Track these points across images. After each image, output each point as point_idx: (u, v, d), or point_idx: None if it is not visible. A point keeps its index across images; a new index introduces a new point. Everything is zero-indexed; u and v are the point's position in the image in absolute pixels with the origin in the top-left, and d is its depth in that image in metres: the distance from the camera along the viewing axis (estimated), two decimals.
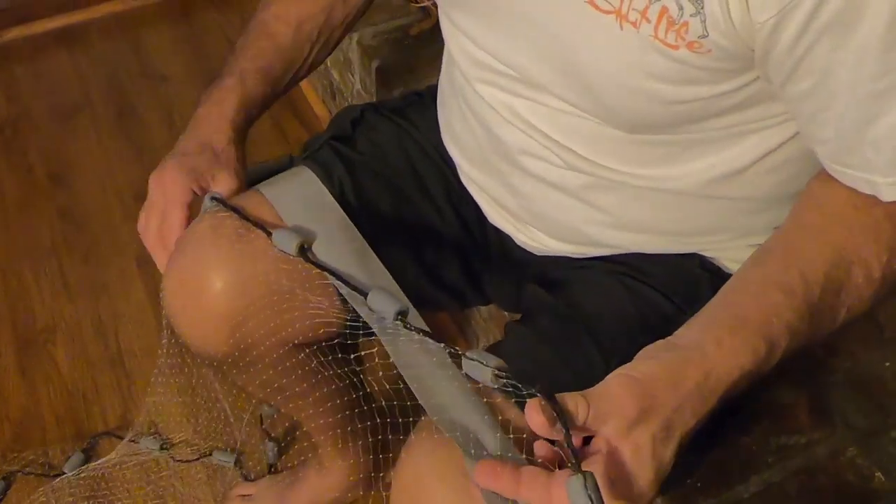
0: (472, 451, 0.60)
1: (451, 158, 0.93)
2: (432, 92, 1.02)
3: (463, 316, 1.42)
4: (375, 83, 1.53)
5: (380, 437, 1.01)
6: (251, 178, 0.92)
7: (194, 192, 0.85)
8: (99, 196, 1.81)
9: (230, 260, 0.84)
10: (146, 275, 1.63)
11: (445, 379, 0.65)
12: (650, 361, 0.59)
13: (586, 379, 0.60)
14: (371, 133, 0.97)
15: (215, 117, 0.89)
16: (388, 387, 0.79)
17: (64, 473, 1.34)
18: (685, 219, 0.80)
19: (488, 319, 1.31)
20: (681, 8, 0.62)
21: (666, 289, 0.81)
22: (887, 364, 0.99)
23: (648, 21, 0.63)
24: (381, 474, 1.27)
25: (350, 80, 1.68)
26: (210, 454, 1.35)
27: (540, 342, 0.79)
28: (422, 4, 1.57)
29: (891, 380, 0.97)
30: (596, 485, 0.51)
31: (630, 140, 0.74)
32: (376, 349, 0.72)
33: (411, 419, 0.70)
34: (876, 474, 0.90)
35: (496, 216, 0.90)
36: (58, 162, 1.90)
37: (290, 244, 0.75)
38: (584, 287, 0.83)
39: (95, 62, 2.14)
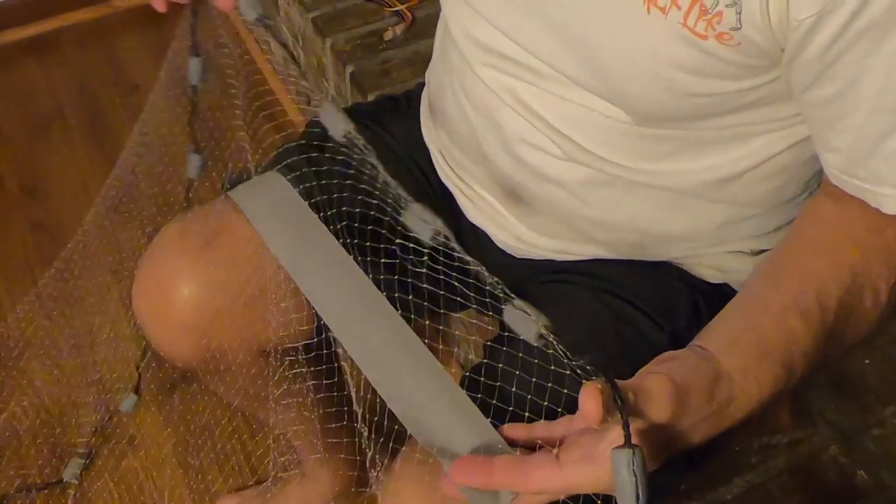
0: (450, 457, 0.60)
1: (425, 161, 0.92)
2: (408, 96, 1.00)
3: (442, 321, 1.41)
4: (350, 88, 1.52)
5: (364, 442, 1.00)
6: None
7: None
8: (72, 207, 1.78)
9: (197, 266, 0.84)
10: (121, 287, 1.61)
11: (419, 376, 0.64)
12: (687, 370, 0.57)
13: (567, 406, 0.60)
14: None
15: None
16: (370, 390, 0.78)
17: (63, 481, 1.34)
18: (675, 219, 0.79)
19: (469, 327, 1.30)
20: None
21: (646, 305, 0.79)
22: (867, 362, 0.99)
23: (679, 7, 0.60)
24: (369, 479, 1.26)
25: (325, 85, 1.67)
26: None
27: (523, 368, 0.77)
28: (395, 9, 1.56)
29: (871, 378, 0.98)
30: (643, 462, 0.49)
31: (636, 133, 0.72)
32: None
33: (396, 426, 0.69)
34: (858, 472, 0.90)
35: (476, 213, 0.88)
36: (30, 174, 1.87)
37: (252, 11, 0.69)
38: (565, 308, 0.81)
39: (67, 72, 2.12)
